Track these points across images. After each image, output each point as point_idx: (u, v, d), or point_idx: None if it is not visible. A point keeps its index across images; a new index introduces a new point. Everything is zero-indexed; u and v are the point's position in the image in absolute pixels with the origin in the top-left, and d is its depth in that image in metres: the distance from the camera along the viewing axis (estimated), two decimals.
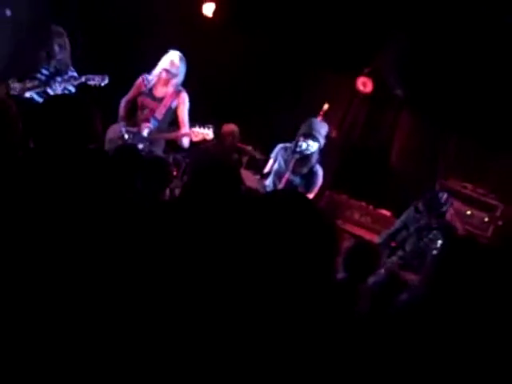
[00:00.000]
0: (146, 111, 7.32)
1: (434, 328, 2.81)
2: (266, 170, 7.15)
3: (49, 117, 2.90)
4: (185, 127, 7.28)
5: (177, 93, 7.31)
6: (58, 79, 7.31)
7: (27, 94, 7.18)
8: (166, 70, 7.25)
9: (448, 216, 6.61)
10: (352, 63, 8.89)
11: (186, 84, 7.44)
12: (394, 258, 6.48)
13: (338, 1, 8.51)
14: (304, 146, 6.63)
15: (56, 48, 7.40)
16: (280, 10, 8.75)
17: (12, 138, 3.54)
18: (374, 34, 8.59)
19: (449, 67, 8.30)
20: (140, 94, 7.37)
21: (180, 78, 7.32)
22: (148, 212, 3.00)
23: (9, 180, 2.68)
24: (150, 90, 7.35)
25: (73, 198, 2.64)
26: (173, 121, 7.43)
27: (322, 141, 6.71)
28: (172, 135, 7.33)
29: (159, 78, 7.31)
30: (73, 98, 3.06)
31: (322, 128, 6.78)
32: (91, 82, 7.22)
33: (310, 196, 6.79)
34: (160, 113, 7.30)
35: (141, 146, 7.13)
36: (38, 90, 7.25)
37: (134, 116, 7.40)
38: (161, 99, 7.32)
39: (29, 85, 7.23)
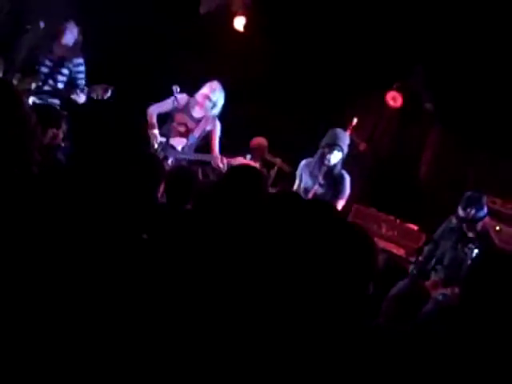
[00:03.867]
0: (183, 127, 7.48)
1: (462, 341, 2.78)
2: (294, 188, 7.15)
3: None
4: (215, 152, 7.43)
5: (212, 119, 7.51)
6: (64, 71, 7.28)
7: (30, 101, 6.98)
8: (207, 96, 7.43)
9: (483, 225, 6.52)
10: (382, 78, 8.88)
11: None
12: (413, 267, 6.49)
13: (370, 16, 8.50)
14: (332, 158, 6.66)
15: (65, 32, 7.29)
16: (310, 23, 8.78)
17: (29, 148, 3.47)
18: (405, 49, 8.57)
19: (480, 82, 8.26)
20: (176, 110, 7.46)
21: (217, 108, 7.52)
22: (168, 221, 2.99)
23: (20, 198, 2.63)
24: (188, 109, 7.50)
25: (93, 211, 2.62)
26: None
27: (346, 150, 6.75)
28: (207, 157, 7.40)
29: (198, 101, 7.47)
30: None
31: (345, 137, 6.85)
32: (93, 95, 6.94)
33: (342, 202, 6.81)
34: (197, 132, 7.49)
35: (170, 159, 7.22)
36: (41, 95, 7.14)
37: (162, 127, 7.50)
38: (199, 120, 7.51)
39: (33, 86, 7.10)
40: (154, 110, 7.51)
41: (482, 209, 6.42)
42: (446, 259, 6.57)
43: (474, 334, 2.76)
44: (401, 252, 7.76)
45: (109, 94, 6.91)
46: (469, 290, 2.77)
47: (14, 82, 7.01)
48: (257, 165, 7.25)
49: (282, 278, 2.07)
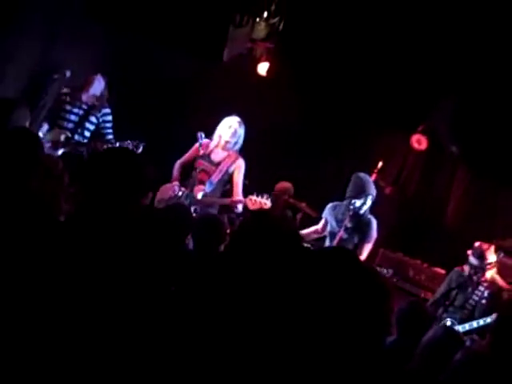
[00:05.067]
0: (202, 174, 7.39)
1: None
2: (314, 228, 7.18)
3: (102, 170, 2.84)
4: (238, 193, 7.37)
5: (234, 158, 7.43)
6: (93, 119, 7.40)
7: (59, 152, 7.16)
8: (227, 142, 7.41)
9: (490, 274, 6.83)
10: (407, 120, 8.86)
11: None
12: (449, 319, 6.61)
13: (395, 58, 8.52)
14: (358, 203, 6.67)
15: (94, 83, 7.49)
16: (335, 66, 8.81)
17: (56, 196, 3.50)
18: (429, 91, 8.56)
19: (504, 122, 8.22)
20: (197, 157, 7.44)
21: (239, 144, 7.48)
22: (197, 267, 2.98)
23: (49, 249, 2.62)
24: (209, 154, 7.46)
25: (121, 261, 2.61)
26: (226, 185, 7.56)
27: (374, 194, 6.80)
28: (226, 201, 7.36)
29: (218, 143, 7.43)
30: (125, 151, 3.00)
31: (371, 183, 6.92)
32: None
33: (369, 246, 6.85)
34: (216, 177, 7.41)
35: (193, 208, 7.19)
36: (71, 147, 7.22)
37: (187, 179, 7.50)
38: (218, 163, 7.44)
39: (61, 137, 7.23)
40: (178, 163, 7.55)
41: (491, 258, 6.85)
42: (456, 302, 6.85)
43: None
44: (428, 296, 7.69)
45: (140, 149, 7.00)
46: (499, 339, 2.74)
47: (42, 133, 7.15)
48: (268, 202, 7.12)
49: (300, 322, 2.06)
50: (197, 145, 7.41)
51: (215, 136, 7.46)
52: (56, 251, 2.59)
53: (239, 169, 7.43)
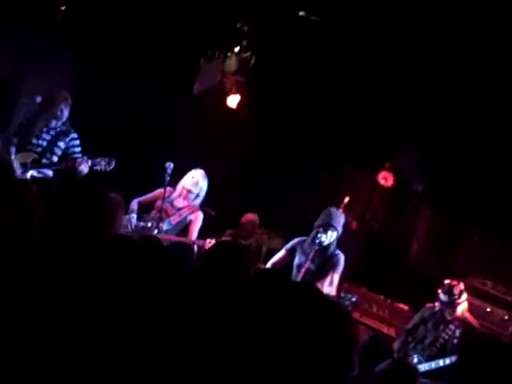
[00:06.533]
0: (162, 213, 7.44)
1: None
2: (273, 260, 7.21)
3: (67, 202, 2.91)
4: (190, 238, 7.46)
5: (194, 209, 7.58)
6: (61, 144, 7.37)
7: (28, 175, 7.13)
8: (189, 191, 7.56)
9: (461, 310, 6.82)
10: (373, 157, 8.96)
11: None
12: (416, 357, 6.63)
13: (361, 96, 8.64)
14: (323, 238, 6.71)
15: (61, 109, 7.40)
16: (302, 102, 8.89)
17: (29, 221, 3.50)
18: (396, 130, 8.68)
19: (470, 164, 8.35)
20: (159, 199, 7.50)
21: (200, 198, 7.65)
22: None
23: (23, 267, 2.64)
24: (171, 199, 7.60)
25: (95, 284, 2.62)
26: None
27: (340, 230, 6.83)
28: (185, 240, 7.37)
29: (180, 193, 7.60)
30: (91, 184, 3.06)
31: (340, 218, 6.96)
32: (97, 168, 7.07)
33: (337, 276, 6.84)
34: (175, 219, 7.53)
35: None
36: (39, 168, 7.22)
37: (142, 216, 7.55)
38: (179, 209, 7.58)
39: (28, 159, 7.22)
40: (137, 200, 7.58)
41: (461, 294, 6.80)
42: (427, 339, 6.83)
43: None
44: (391, 332, 7.73)
45: (112, 166, 7.05)
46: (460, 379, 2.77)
47: (11, 156, 7.11)
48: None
49: (259, 356, 2.08)
50: (162, 191, 7.43)
51: (178, 187, 7.63)
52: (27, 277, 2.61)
53: (196, 219, 7.55)
